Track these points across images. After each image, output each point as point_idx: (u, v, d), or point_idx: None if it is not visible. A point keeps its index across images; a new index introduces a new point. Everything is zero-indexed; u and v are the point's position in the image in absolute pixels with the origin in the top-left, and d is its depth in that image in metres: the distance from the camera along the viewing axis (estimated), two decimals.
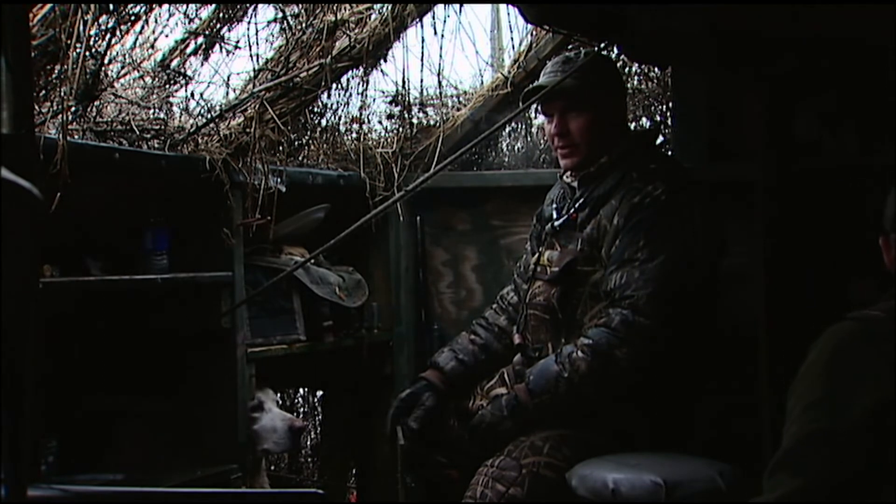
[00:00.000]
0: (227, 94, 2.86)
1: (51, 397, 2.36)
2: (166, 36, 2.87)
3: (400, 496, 2.65)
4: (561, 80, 2.47)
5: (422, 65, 3.17)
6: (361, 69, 3.04)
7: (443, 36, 3.10)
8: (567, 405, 2.39)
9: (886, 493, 1.44)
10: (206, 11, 2.92)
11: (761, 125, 2.73)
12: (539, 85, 2.56)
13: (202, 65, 2.96)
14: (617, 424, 2.42)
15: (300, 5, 2.90)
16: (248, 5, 2.86)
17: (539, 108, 2.64)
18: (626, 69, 3.25)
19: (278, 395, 3.21)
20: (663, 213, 2.41)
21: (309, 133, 3.15)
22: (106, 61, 2.51)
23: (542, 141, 3.51)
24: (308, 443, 3.72)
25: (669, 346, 2.36)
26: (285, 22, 2.89)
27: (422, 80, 3.29)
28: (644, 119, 3.35)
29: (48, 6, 2.27)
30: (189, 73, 2.92)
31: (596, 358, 2.34)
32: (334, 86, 3.03)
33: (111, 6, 2.43)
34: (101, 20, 2.43)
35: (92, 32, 2.36)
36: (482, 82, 3.43)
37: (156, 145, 2.55)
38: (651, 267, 2.36)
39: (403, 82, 3.17)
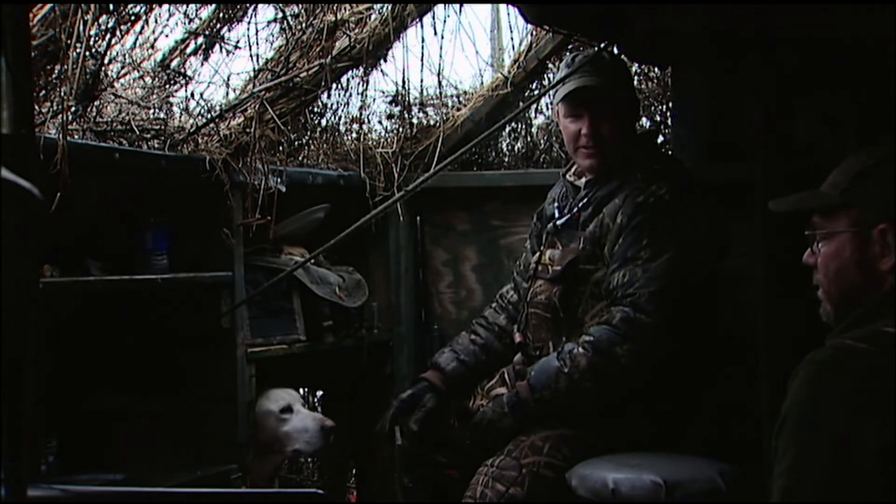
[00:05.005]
0: (227, 94, 2.86)
1: (51, 397, 2.36)
2: (166, 36, 2.87)
3: (398, 496, 2.65)
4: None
5: (422, 65, 3.17)
6: (361, 69, 3.05)
7: (443, 36, 3.10)
8: (567, 401, 2.39)
9: None
10: (206, 11, 2.92)
11: (761, 125, 2.73)
12: (582, 86, 2.50)
13: (202, 65, 2.96)
14: (617, 424, 2.42)
15: (300, 5, 2.90)
16: (248, 5, 2.86)
17: (565, 109, 2.59)
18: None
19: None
20: (667, 212, 2.42)
21: (309, 133, 3.15)
22: (106, 61, 2.51)
23: (542, 141, 3.51)
24: None
25: (671, 345, 2.36)
26: (285, 22, 2.89)
27: (422, 80, 3.30)
28: (644, 119, 3.35)
29: (48, 6, 2.27)
30: (189, 73, 2.92)
31: (596, 354, 2.34)
32: (334, 86, 3.04)
33: (111, 6, 2.43)
34: (101, 20, 2.43)
35: (92, 32, 2.36)
36: (482, 82, 3.43)
37: (156, 145, 2.55)
38: (654, 266, 2.36)
39: (403, 82, 3.18)
